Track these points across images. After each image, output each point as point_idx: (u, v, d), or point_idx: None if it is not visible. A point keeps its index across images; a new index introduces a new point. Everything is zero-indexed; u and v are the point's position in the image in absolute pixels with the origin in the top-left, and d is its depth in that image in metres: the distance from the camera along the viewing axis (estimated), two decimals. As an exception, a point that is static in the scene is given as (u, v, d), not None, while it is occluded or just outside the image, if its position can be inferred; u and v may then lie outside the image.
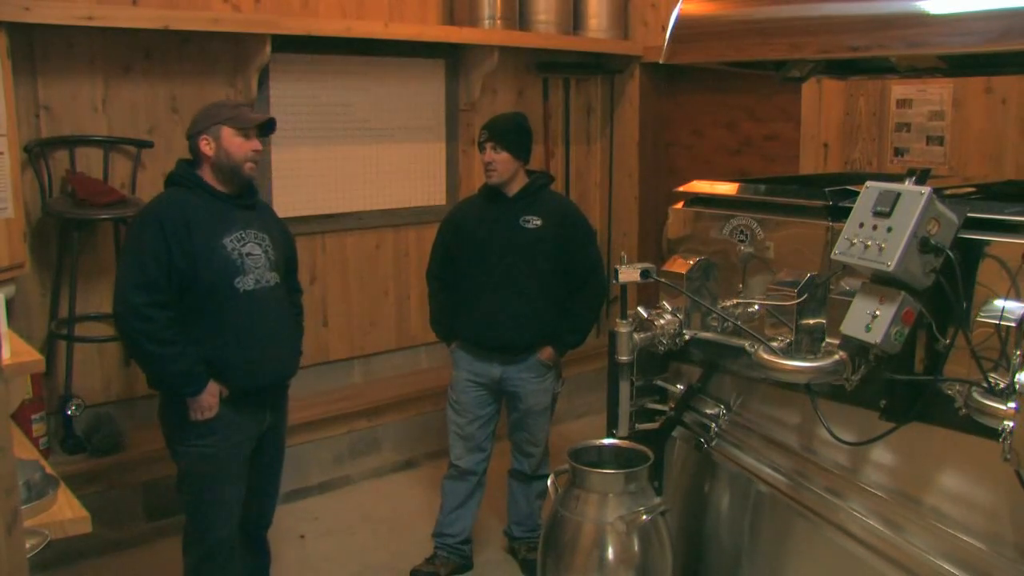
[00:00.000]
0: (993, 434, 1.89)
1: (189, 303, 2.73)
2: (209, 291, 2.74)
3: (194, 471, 2.83)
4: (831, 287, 2.29)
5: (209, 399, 2.75)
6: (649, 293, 3.06)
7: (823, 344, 2.29)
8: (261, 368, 2.85)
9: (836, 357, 2.17)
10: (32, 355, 2.02)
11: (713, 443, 2.76)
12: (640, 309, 2.76)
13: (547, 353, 3.44)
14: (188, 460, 2.83)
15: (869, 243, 2.02)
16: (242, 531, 2.98)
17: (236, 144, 2.79)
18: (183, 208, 2.74)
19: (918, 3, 2.15)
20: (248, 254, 2.80)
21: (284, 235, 3.03)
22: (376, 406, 4.54)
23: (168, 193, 2.83)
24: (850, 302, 2.10)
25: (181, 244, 2.69)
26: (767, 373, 2.32)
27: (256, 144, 2.84)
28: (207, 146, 2.79)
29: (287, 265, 3.02)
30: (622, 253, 2.98)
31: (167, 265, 2.67)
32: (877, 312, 2.02)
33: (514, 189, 3.40)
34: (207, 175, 2.82)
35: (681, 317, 2.71)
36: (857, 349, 2.12)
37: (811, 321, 2.36)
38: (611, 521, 2.58)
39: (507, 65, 4.93)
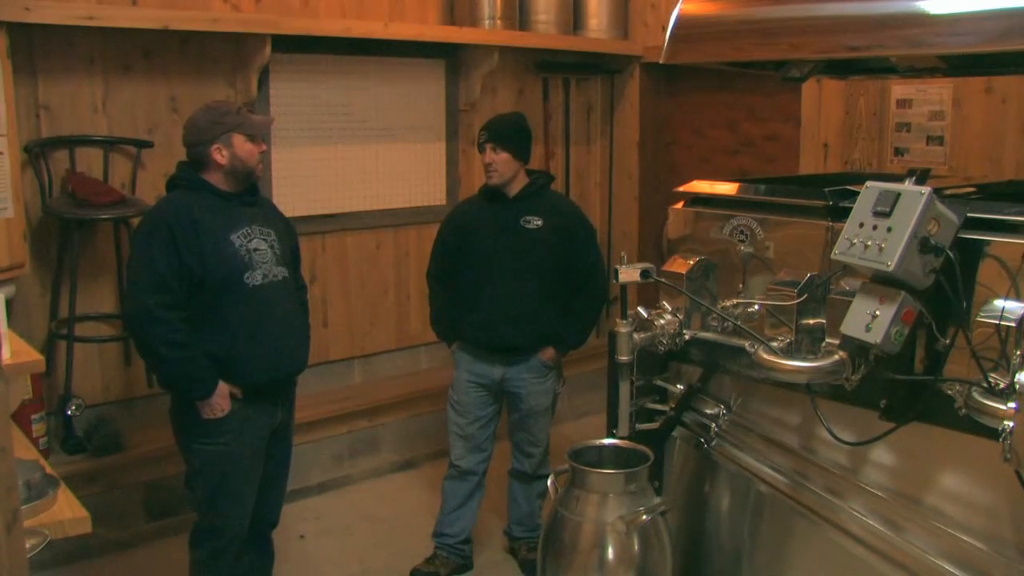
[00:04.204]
0: (993, 434, 1.89)
1: (200, 301, 2.74)
2: (219, 288, 2.75)
3: (209, 469, 2.84)
4: (831, 287, 2.29)
5: (219, 401, 2.76)
6: (649, 293, 3.06)
7: (823, 344, 2.29)
8: (272, 362, 2.87)
9: (836, 357, 2.17)
10: (32, 355, 2.02)
11: (713, 443, 2.76)
12: (640, 309, 2.76)
13: (548, 354, 3.44)
14: (202, 458, 2.84)
15: (869, 243, 2.02)
16: (248, 529, 2.98)
17: (247, 149, 2.81)
18: (189, 209, 2.76)
19: (918, 3, 2.15)
20: (255, 249, 2.82)
21: (288, 229, 3.05)
22: (376, 406, 4.54)
23: (172, 196, 2.84)
24: (850, 302, 2.10)
25: (189, 244, 2.70)
26: (767, 373, 2.32)
27: (263, 146, 2.88)
28: (219, 154, 2.79)
29: (292, 258, 3.03)
30: (622, 253, 2.98)
31: (177, 266, 2.69)
32: (877, 312, 2.02)
33: (515, 189, 3.40)
34: (213, 178, 2.82)
35: (681, 317, 2.71)
36: (857, 349, 2.12)
37: (811, 321, 2.36)
38: (611, 521, 2.58)
39: (507, 65, 4.93)
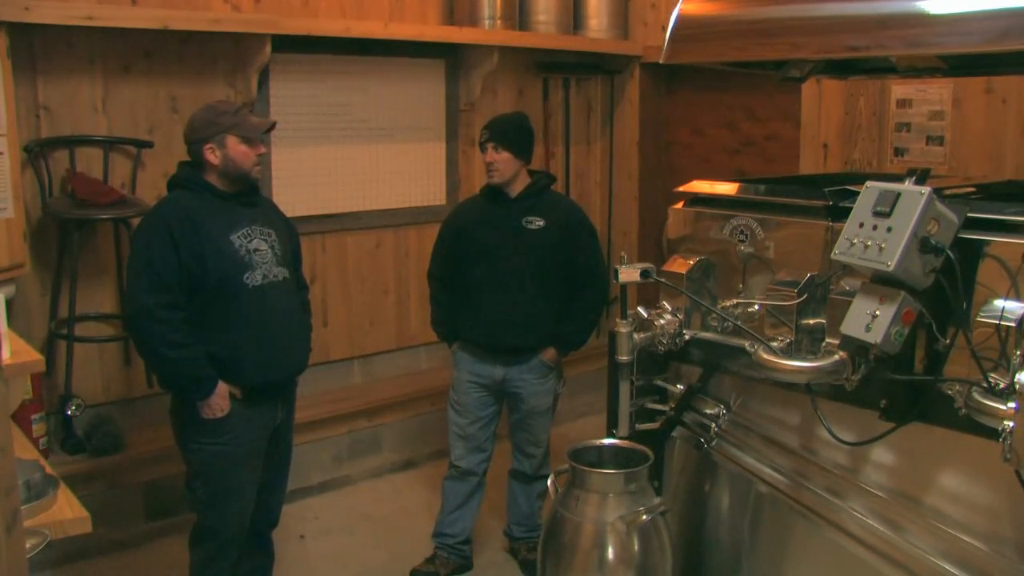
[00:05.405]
0: (993, 434, 1.89)
1: (200, 302, 2.74)
2: (219, 288, 2.75)
3: (209, 469, 2.84)
4: (831, 287, 2.29)
5: (219, 400, 2.76)
6: (649, 293, 3.06)
7: (823, 344, 2.29)
8: (272, 363, 2.86)
9: (836, 357, 2.16)
10: (32, 355, 2.02)
11: (713, 443, 2.76)
12: (640, 309, 2.76)
13: (549, 354, 3.44)
14: (202, 458, 2.84)
15: (869, 243, 2.02)
16: (248, 529, 2.99)
17: (242, 152, 2.80)
18: (188, 210, 2.75)
19: (918, 3, 2.15)
20: (255, 250, 2.82)
21: (289, 230, 3.05)
22: (376, 406, 4.54)
23: (172, 196, 2.84)
24: (850, 302, 2.10)
25: (189, 245, 2.70)
26: (767, 373, 2.32)
27: (261, 149, 2.86)
28: (212, 155, 2.79)
29: (293, 259, 3.03)
30: (622, 253, 2.98)
31: (177, 266, 2.69)
32: (877, 312, 2.02)
33: (516, 189, 3.40)
34: (212, 178, 2.82)
35: (681, 317, 2.71)
36: (857, 349, 2.12)
37: (811, 321, 2.36)
38: (611, 521, 2.58)
39: (507, 65, 4.93)
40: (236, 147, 2.79)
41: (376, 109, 4.59)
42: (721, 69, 3.67)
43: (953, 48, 2.25)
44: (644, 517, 2.58)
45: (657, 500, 2.65)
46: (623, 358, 2.70)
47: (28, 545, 1.79)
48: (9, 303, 3.31)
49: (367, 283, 4.68)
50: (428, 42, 4.53)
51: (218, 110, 2.83)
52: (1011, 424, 1.84)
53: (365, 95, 4.54)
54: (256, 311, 2.81)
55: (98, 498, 3.56)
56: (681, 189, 2.90)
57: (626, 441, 2.78)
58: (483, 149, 3.37)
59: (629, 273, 2.63)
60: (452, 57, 4.79)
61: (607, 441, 2.80)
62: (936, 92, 3.96)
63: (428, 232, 4.36)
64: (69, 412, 3.67)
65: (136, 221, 3.48)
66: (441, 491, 3.60)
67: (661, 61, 2.77)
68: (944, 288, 2.02)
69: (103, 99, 3.78)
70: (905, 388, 2.17)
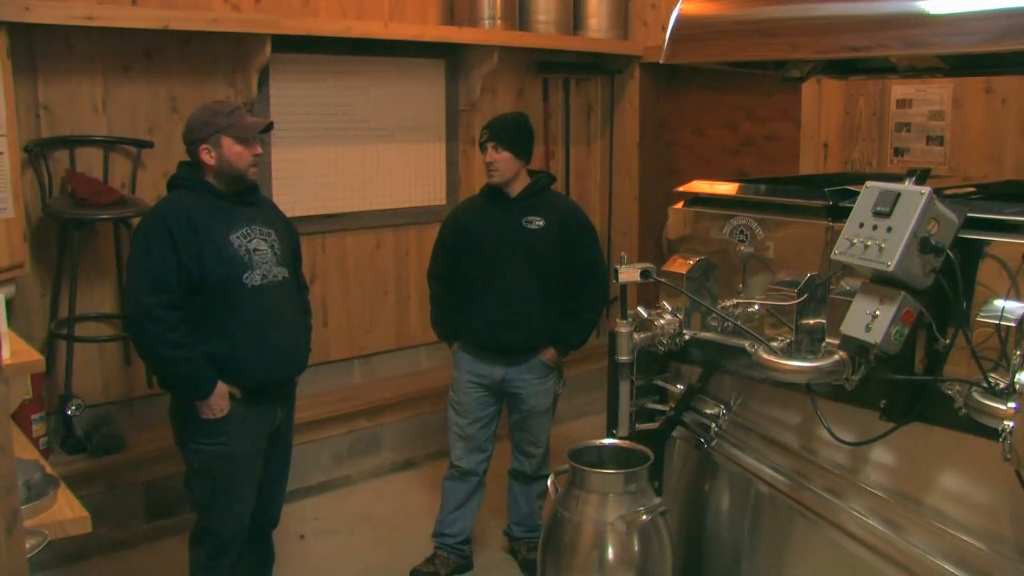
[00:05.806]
0: (993, 434, 1.89)
1: (200, 302, 2.74)
2: (218, 288, 2.75)
3: (208, 469, 2.84)
4: (831, 287, 2.29)
5: (218, 400, 2.76)
6: (649, 293, 3.06)
7: (823, 344, 2.29)
8: (272, 363, 2.86)
9: (836, 357, 2.16)
10: (32, 355, 2.03)
11: (713, 443, 2.76)
12: (640, 309, 2.76)
13: (549, 354, 3.44)
14: (202, 458, 2.83)
15: (869, 243, 2.02)
16: (248, 529, 2.98)
17: (237, 153, 2.79)
18: (188, 210, 2.75)
19: (918, 3, 2.15)
20: (255, 250, 2.81)
21: (289, 230, 3.05)
22: (376, 406, 4.54)
23: (172, 196, 2.84)
24: (850, 302, 2.10)
25: (188, 245, 2.70)
26: (767, 373, 2.32)
27: (257, 149, 2.84)
28: (208, 155, 2.78)
29: (293, 259, 3.03)
30: (622, 253, 2.98)
31: (176, 266, 2.69)
32: (877, 312, 2.02)
33: (516, 189, 3.40)
34: (210, 179, 2.82)
35: (681, 317, 2.71)
36: (857, 349, 2.12)
37: (811, 321, 2.36)
38: (611, 521, 2.58)
39: (507, 65, 4.93)
40: (231, 147, 2.78)
41: (376, 109, 4.59)
42: (721, 69, 3.68)
43: (953, 48, 2.25)
44: (644, 517, 2.58)
45: (657, 500, 2.65)
46: (623, 358, 2.70)
47: (28, 545, 1.79)
48: (9, 303, 3.32)
49: (367, 283, 4.68)
50: (428, 42, 4.53)
51: (214, 110, 2.82)
52: (1011, 424, 1.85)
53: (365, 95, 4.54)
54: (256, 311, 2.81)
55: (98, 498, 3.56)
56: (681, 189, 2.90)
57: (626, 441, 2.78)
58: (483, 149, 3.37)
59: (629, 273, 2.63)
60: (452, 57, 4.79)
61: (607, 441, 2.80)
62: (936, 92, 3.96)
63: (428, 232, 4.36)
64: (69, 412, 3.67)
65: (136, 221, 3.48)
66: (441, 491, 3.60)
67: (661, 61, 2.77)
68: (944, 288, 2.02)
69: (103, 99, 3.78)
70: (905, 388, 2.17)
